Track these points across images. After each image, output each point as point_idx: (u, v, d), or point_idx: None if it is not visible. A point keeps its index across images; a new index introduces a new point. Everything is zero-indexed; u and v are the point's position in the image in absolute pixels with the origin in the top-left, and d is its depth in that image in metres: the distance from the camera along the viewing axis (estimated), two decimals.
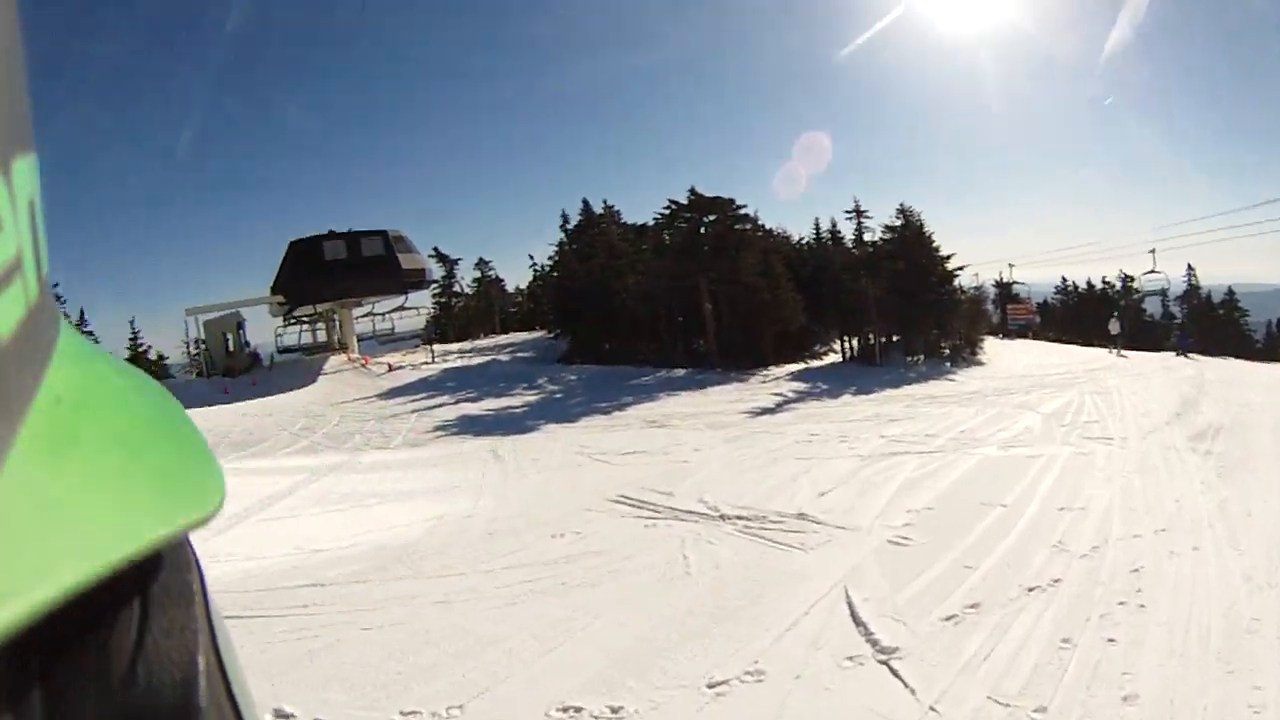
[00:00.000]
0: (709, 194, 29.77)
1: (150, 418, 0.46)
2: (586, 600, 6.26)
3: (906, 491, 9.06)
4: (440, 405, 20.88)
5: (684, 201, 30.14)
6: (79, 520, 0.32)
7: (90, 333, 42.54)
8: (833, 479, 9.83)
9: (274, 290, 35.19)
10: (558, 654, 5.27)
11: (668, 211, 30.90)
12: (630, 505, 9.05)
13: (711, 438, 13.84)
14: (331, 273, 33.66)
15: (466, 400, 21.46)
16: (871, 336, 29.95)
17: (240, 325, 36.53)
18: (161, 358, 43.55)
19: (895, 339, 30.61)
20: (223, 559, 8.01)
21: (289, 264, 34.75)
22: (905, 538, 7.38)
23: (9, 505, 0.29)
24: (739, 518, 8.26)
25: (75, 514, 0.32)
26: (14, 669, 0.31)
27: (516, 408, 19.57)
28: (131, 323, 47.64)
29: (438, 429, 16.95)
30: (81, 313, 43.39)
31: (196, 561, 0.47)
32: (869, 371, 26.35)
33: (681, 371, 26.25)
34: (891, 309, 29.23)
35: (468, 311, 50.42)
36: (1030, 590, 5.98)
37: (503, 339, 40.88)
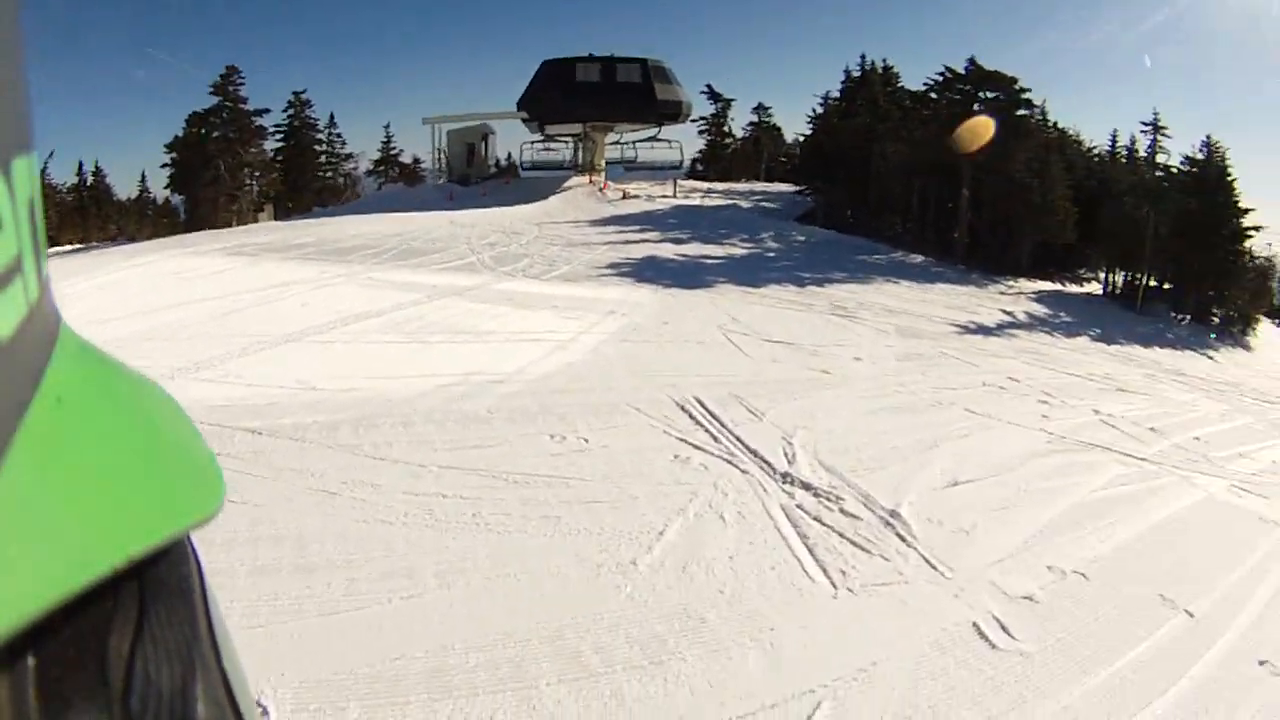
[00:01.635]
0: (990, 67, 24.98)
1: (150, 418, 0.46)
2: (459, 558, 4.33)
3: (1069, 527, 5.59)
4: (640, 241, 19.26)
5: (961, 71, 25.55)
6: (79, 521, 0.32)
7: (339, 135, 46.15)
8: (986, 464, 6.56)
9: (520, 106, 34.61)
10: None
11: (940, 79, 26.36)
12: (693, 418, 6.61)
13: (889, 348, 10.74)
14: (581, 95, 32.66)
15: (671, 241, 19.61)
16: (1139, 277, 24.18)
17: (486, 137, 36.83)
18: (417, 161, 45.17)
19: (1166, 287, 24.58)
20: (229, 379, 7.45)
21: (538, 82, 34.06)
22: (1007, 628, 4.15)
23: (8, 505, 0.29)
24: (808, 488, 5.49)
25: (76, 514, 0.32)
26: (13, 668, 0.31)
27: (713, 258, 17.41)
28: (386, 128, 50.72)
29: (610, 267, 15.22)
30: (331, 116, 46.24)
31: (196, 559, 0.45)
32: (1123, 317, 20.88)
33: (919, 258, 22.48)
34: (1170, 252, 23.34)
35: (734, 154, 48.17)
36: None
37: (759, 187, 37.94)
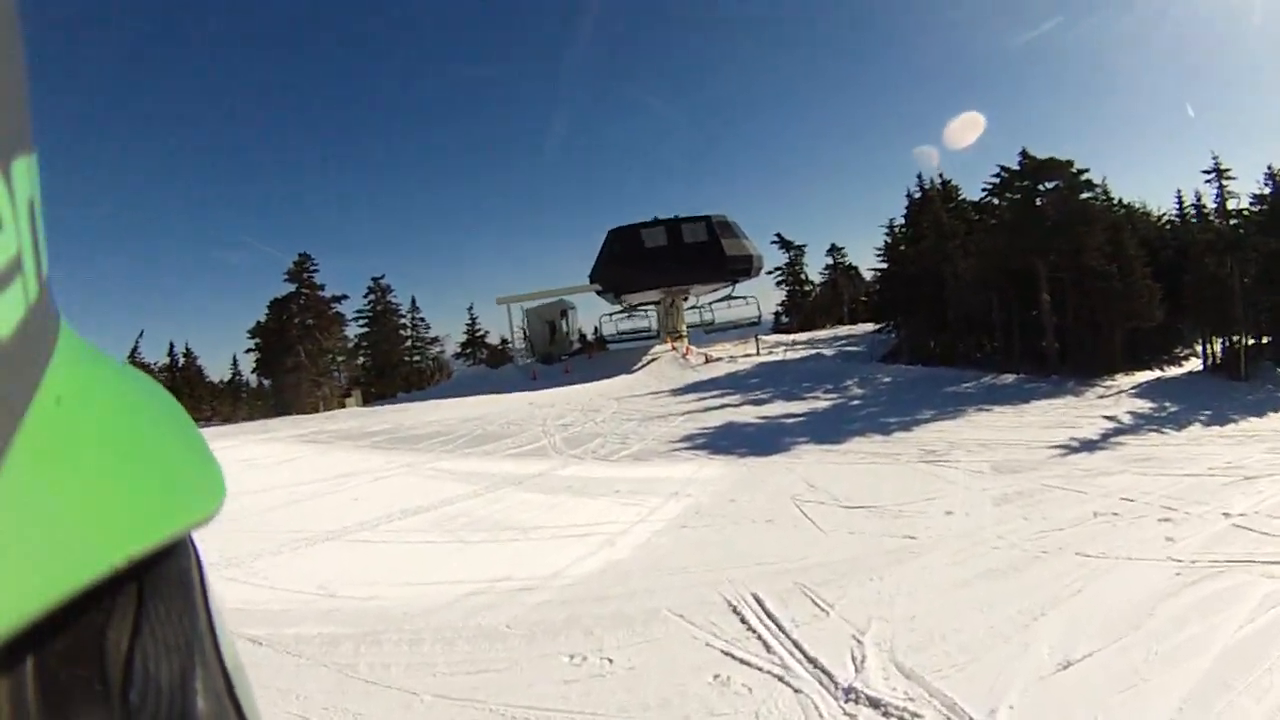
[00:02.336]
0: (1042, 155, 23.97)
1: (150, 418, 0.46)
2: None
3: (1217, 692, 4.44)
4: (720, 407, 18.69)
5: (1015, 167, 24.56)
6: (79, 520, 0.32)
7: (422, 319, 48.05)
8: (1106, 626, 5.37)
9: (592, 279, 35.23)
10: None
11: (997, 180, 25.38)
12: (745, 621, 5.63)
13: (984, 491, 9.54)
14: (651, 260, 32.84)
15: (751, 403, 18.95)
16: (1237, 339, 22.08)
17: (565, 313, 37.26)
18: (504, 341, 46.08)
19: (1265, 341, 22.58)
20: (253, 579, 7.22)
21: (607, 252, 34.63)
22: None
23: (9, 505, 0.29)
24: (877, 705, 4.40)
25: (75, 514, 0.32)
26: (12, 666, 0.31)
27: (794, 416, 16.58)
28: (469, 309, 52.50)
29: (683, 440, 14.52)
30: (413, 300, 48.06)
31: (198, 559, 0.45)
32: (1230, 389, 19.14)
33: (1010, 378, 21.31)
34: (1262, 303, 21.55)
35: (814, 301, 47.91)
36: None
37: (842, 330, 37.99)
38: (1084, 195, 23.74)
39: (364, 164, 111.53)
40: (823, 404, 18.05)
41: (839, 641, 5.18)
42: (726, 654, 4.98)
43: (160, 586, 0.39)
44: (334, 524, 9.19)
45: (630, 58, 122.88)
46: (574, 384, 26.10)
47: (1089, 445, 12.46)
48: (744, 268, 34.26)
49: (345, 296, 41.97)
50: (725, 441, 13.82)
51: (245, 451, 17.29)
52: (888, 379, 21.44)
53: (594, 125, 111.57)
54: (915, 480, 10.10)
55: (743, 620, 5.53)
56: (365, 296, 46.10)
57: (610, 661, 4.94)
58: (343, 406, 35.33)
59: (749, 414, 17.11)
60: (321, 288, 40.75)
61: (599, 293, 35.57)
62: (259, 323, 40.88)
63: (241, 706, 0.42)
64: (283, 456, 15.97)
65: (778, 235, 50.18)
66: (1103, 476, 10.00)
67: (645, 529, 8.17)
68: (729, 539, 7.64)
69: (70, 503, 0.32)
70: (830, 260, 49.92)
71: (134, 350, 56.92)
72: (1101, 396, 18.15)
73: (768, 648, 5.08)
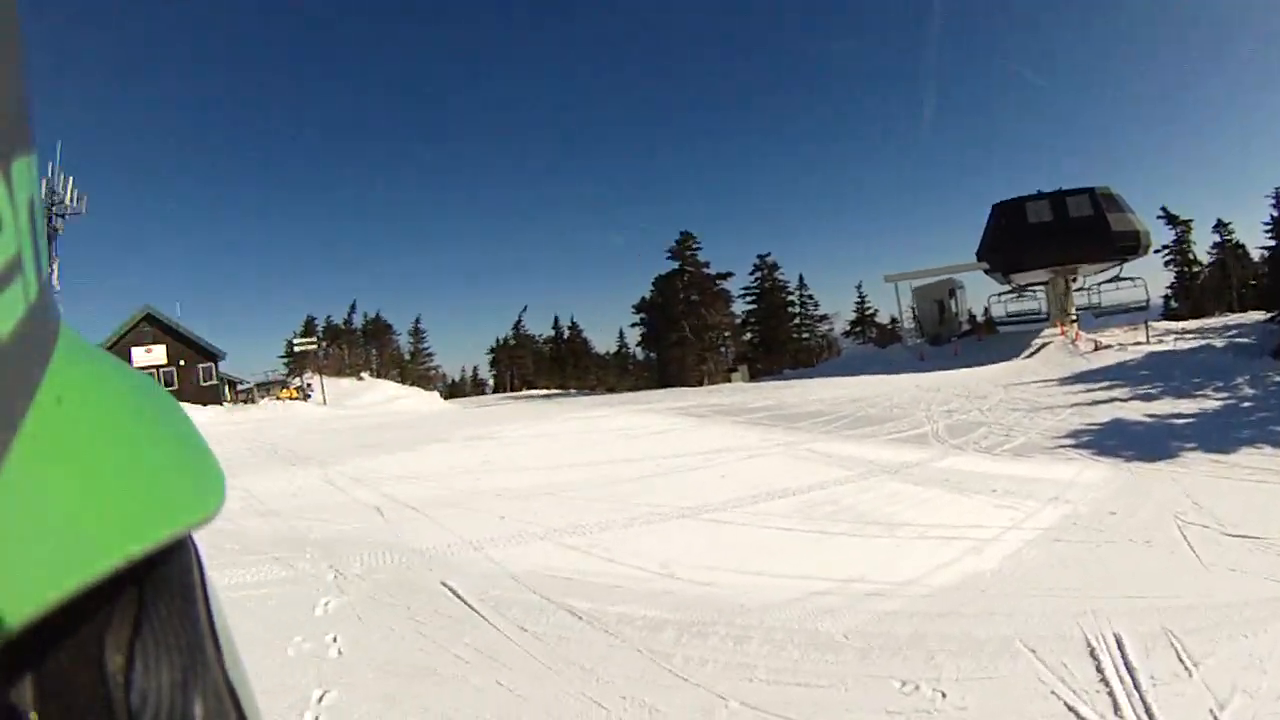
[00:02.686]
0: None
1: (150, 418, 0.46)
2: None
3: None
4: (1109, 401, 16.53)
5: None
6: (79, 520, 0.33)
7: (810, 296, 47.85)
8: None
9: (979, 256, 33.64)
10: None
11: None
12: (1100, 668, 4.47)
13: None
14: (1035, 237, 30.85)
15: (1140, 397, 16.59)
16: None
17: (953, 292, 35.68)
18: (893, 321, 44.90)
19: None
20: (593, 550, 7.42)
21: (992, 227, 32.98)
22: None
23: (9, 505, 0.30)
24: None
25: (75, 514, 0.33)
26: (12, 668, 0.32)
27: (1183, 417, 13.96)
28: (858, 287, 51.98)
29: (1069, 436, 12.75)
30: (800, 277, 47.98)
31: (199, 558, 0.46)
32: None
33: None
34: None
35: (1202, 285, 41.74)
36: None
37: (1232, 319, 33.31)
38: None
39: (748, 142, 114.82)
40: (1212, 403, 15.17)
41: (1194, 715, 4.07)
42: (1070, 709, 4.06)
43: (160, 587, 0.39)
44: (694, 500, 9.17)
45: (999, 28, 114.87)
46: (961, 367, 25.10)
47: None
48: (1131, 244, 30.97)
49: (730, 274, 43.55)
50: (1111, 441, 12.00)
51: (620, 421, 18.25)
52: (1279, 378, 17.84)
53: (970, 93, 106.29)
54: None
55: (1098, 667, 4.49)
56: (751, 274, 47.44)
57: (943, 696, 4.21)
58: (727, 381, 36.53)
59: (1136, 411, 14.98)
60: (705, 265, 42.49)
61: (986, 271, 33.93)
62: (644, 298, 43.48)
63: (242, 707, 0.42)
64: (657, 428, 16.63)
65: (1163, 209, 45.39)
66: None
67: (1017, 537, 7.14)
68: (1102, 559, 6.38)
69: (70, 503, 0.32)
70: (1217, 237, 44.25)
71: (518, 322, 64.06)
72: None
73: (1116, 709, 4.10)
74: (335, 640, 5.45)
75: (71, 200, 45.88)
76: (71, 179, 45.62)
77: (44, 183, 44.34)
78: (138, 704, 0.34)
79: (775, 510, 8.56)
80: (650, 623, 5.42)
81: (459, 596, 6.20)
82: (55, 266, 45.93)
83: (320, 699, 4.51)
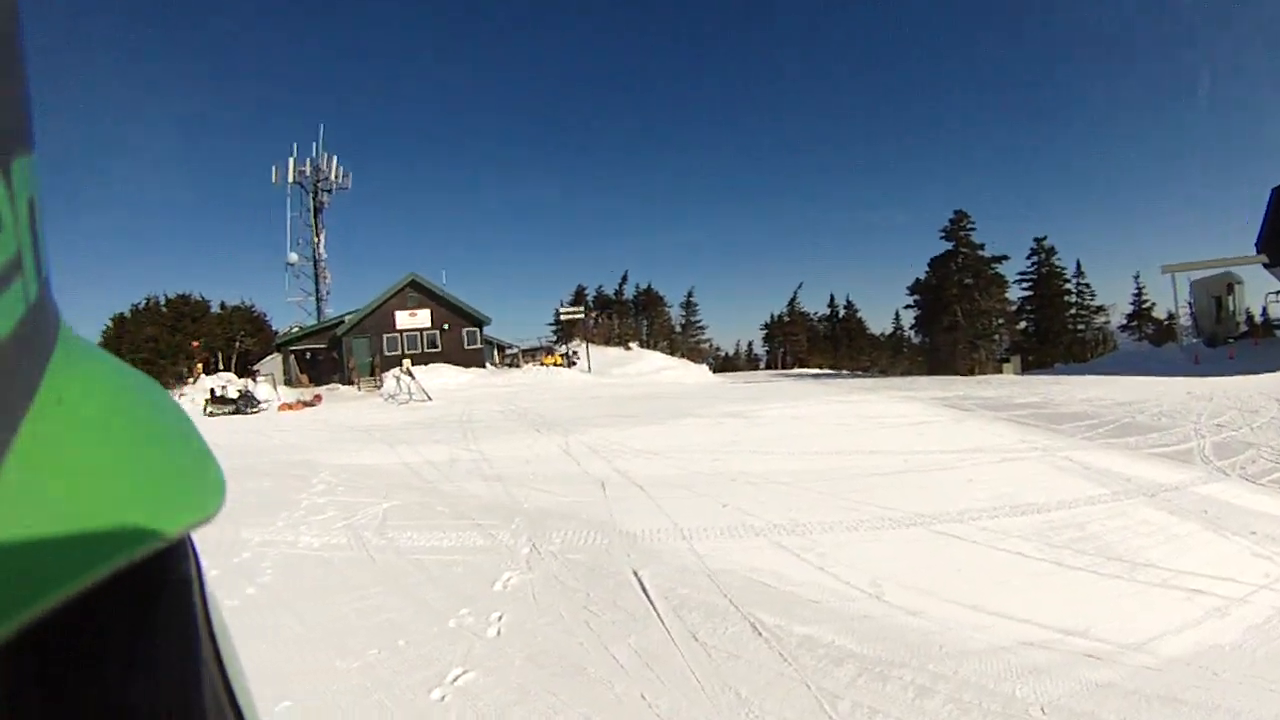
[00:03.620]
0: None
1: (150, 418, 0.45)
2: None
3: None
4: None
5: None
6: (79, 521, 0.33)
7: (1087, 285, 44.02)
8: None
9: (1259, 247, 29.94)
10: None
11: None
12: None
13: None
14: None
15: None
16: None
17: (1232, 287, 31.42)
18: (1171, 316, 40.51)
19: None
20: (806, 554, 6.91)
21: (1272, 215, 29.32)
22: None
23: (9, 505, 0.30)
24: None
25: (75, 514, 0.33)
26: (12, 668, 0.32)
27: None
28: (1136, 278, 46.88)
29: None
30: (1078, 264, 43.96)
31: (196, 558, 0.46)
32: None
33: None
34: None
35: None
36: None
37: None
38: None
39: (1024, 120, 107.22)
40: None
41: None
42: None
43: (161, 589, 0.40)
44: (931, 506, 8.44)
45: None
46: (1236, 375, 22.29)
47: None
48: None
49: (1006, 257, 41.09)
50: None
51: (880, 408, 17.51)
52: None
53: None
54: None
55: None
56: (1028, 258, 44.51)
57: None
58: (999, 372, 34.64)
59: None
60: (980, 247, 40.32)
61: (1266, 265, 29.90)
62: (918, 280, 41.78)
63: (240, 707, 0.43)
64: (915, 419, 15.87)
65: None
66: None
67: (1271, 600, 5.82)
68: None
69: (70, 503, 0.32)
70: None
71: (793, 299, 63.37)
72: None
73: None
74: (500, 619, 5.41)
75: (337, 177, 50.74)
76: (335, 157, 50.72)
77: (308, 162, 49.13)
78: (136, 704, 0.34)
79: (1014, 529, 7.63)
80: (833, 653, 4.84)
81: (644, 589, 5.97)
82: (322, 237, 51.84)
83: (455, 679, 4.46)
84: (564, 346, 46.54)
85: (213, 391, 29.89)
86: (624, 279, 64.85)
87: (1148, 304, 46.67)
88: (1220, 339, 30.45)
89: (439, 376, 33.30)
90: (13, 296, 0.31)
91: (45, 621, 0.28)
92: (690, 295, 66.45)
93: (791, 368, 54.06)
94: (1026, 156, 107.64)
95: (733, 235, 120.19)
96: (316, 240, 51.35)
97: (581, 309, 48.46)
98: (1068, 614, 5.50)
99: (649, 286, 64.00)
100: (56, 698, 0.33)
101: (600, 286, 64.18)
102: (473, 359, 41.46)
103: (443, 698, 4.24)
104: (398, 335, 42.24)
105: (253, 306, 54.47)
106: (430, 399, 28.03)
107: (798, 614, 5.47)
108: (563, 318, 47.39)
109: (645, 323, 61.82)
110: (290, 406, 29.90)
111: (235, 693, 0.43)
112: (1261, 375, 21.70)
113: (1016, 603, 5.72)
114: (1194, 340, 32.02)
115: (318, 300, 51.52)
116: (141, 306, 48.98)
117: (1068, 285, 44.36)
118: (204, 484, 0.42)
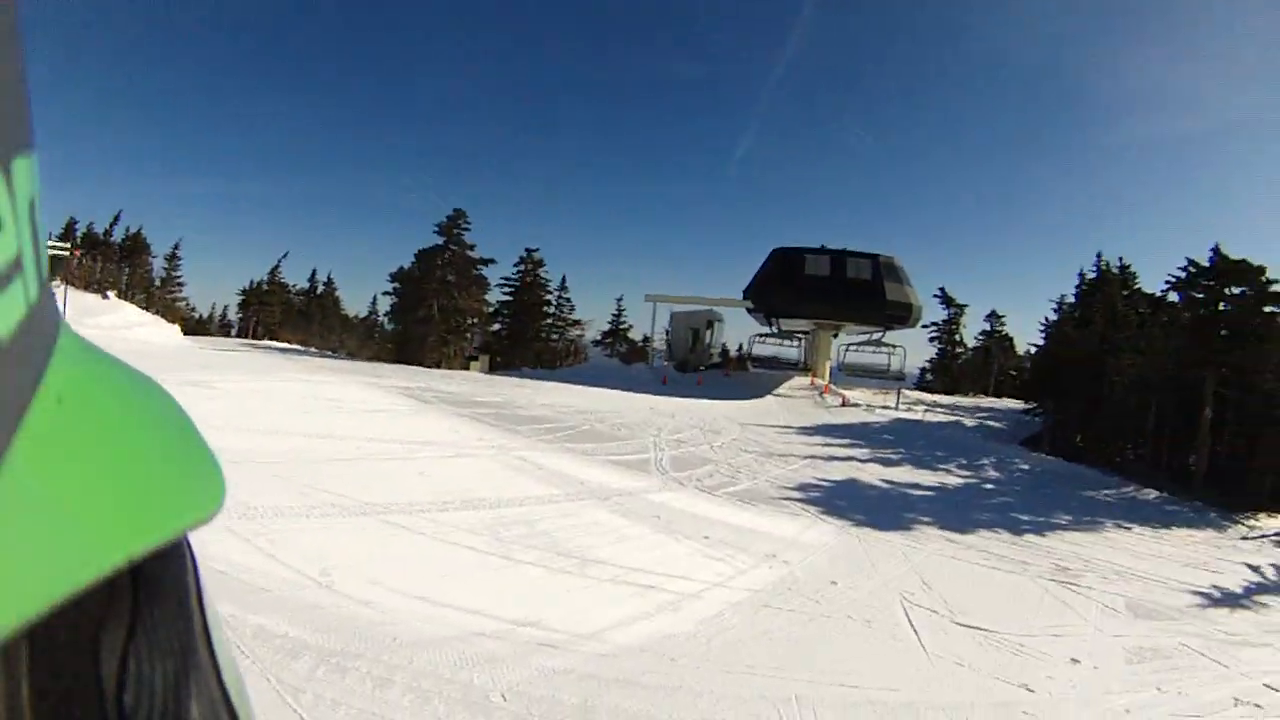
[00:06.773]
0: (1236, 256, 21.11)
1: (150, 418, 0.46)
2: None
3: None
4: (846, 459, 17.24)
5: (1205, 264, 21.76)
6: (79, 521, 0.33)
7: (569, 300, 49.14)
8: None
9: (747, 295, 34.89)
10: None
11: (1182, 275, 22.46)
12: None
13: (1117, 638, 7.46)
14: (809, 289, 32.38)
15: (879, 461, 17.40)
16: None
17: (712, 324, 36.93)
18: (646, 339, 45.95)
19: None
20: (254, 539, 6.49)
21: (766, 272, 34.31)
22: None
23: (9, 505, 0.30)
24: None
25: (75, 514, 0.33)
26: (8, 667, 0.33)
27: (921, 488, 14.82)
28: (619, 300, 53.51)
29: (799, 489, 13.06)
30: (563, 279, 48.84)
31: (193, 560, 0.46)
32: None
33: (1152, 494, 18.50)
34: None
35: (964, 365, 47.40)
36: None
37: (985, 402, 36.58)
38: (1269, 309, 20.55)
39: (542, 136, 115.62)
40: (954, 480, 16.31)
41: None
42: None
43: (156, 589, 0.40)
44: (382, 496, 8.49)
45: (831, 85, 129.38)
46: (703, 399, 25.52)
47: (1230, 599, 9.97)
48: (902, 315, 33.27)
49: (493, 261, 42.82)
50: (842, 502, 12.36)
51: (338, 391, 17.09)
52: (1025, 466, 19.50)
53: (773, 141, 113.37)
54: (1043, 605, 8.21)
55: None
56: (515, 265, 46.96)
57: None
58: (466, 369, 35.74)
59: (874, 474, 15.67)
60: (472, 247, 41.58)
61: (749, 310, 35.22)
62: (401, 268, 41.99)
63: (235, 709, 0.43)
64: (375, 406, 15.71)
65: (940, 289, 49.72)
66: (1245, 648, 7.73)
67: (722, 597, 6.86)
68: (815, 636, 6.22)
69: (70, 503, 0.32)
70: (988, 326, 49.09)
71: (275, 268, 60.69)
72: (1245, 538, 15.13)
73: None
74: None
75: None
76: None
77: None
78: (131, 706, 0.34)
79: (463, 523, 8.02)
80: (289, 645, 4.68)
81: None
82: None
83: None
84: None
85: None
86: (115, 219, 56.74)
87: (625, 325, 52.12)
88: (692, 366, 34.96)
89: None
90: (13, 296, 0.31)
91: (43, 622, 0.28)
92: (177, 247, 60.06)
93: (263, 339, 51.48)
94: (536, 177, 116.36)
95: (234, 199, 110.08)
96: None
97: (68, 245, 41.33)
98: (519, 606, 5.95)
99: (139, 230, 56.67)
100: (52, 699, 0.32)
101: (91, 223, 55.48)
102: None
103: None
104: None
105: None
106: None
107: (251, 604, 5.21)
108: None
109: (127, 270, 54.62)
110: None
111: (230, 694, 0.42)
112: (728, 402, 25.02)
113: (466, 594, 6.05)
114: (665, 363, 36.07)
115: None
116: None
117: (549, 296, 47.78)
118: (204, 484, 0.42)
